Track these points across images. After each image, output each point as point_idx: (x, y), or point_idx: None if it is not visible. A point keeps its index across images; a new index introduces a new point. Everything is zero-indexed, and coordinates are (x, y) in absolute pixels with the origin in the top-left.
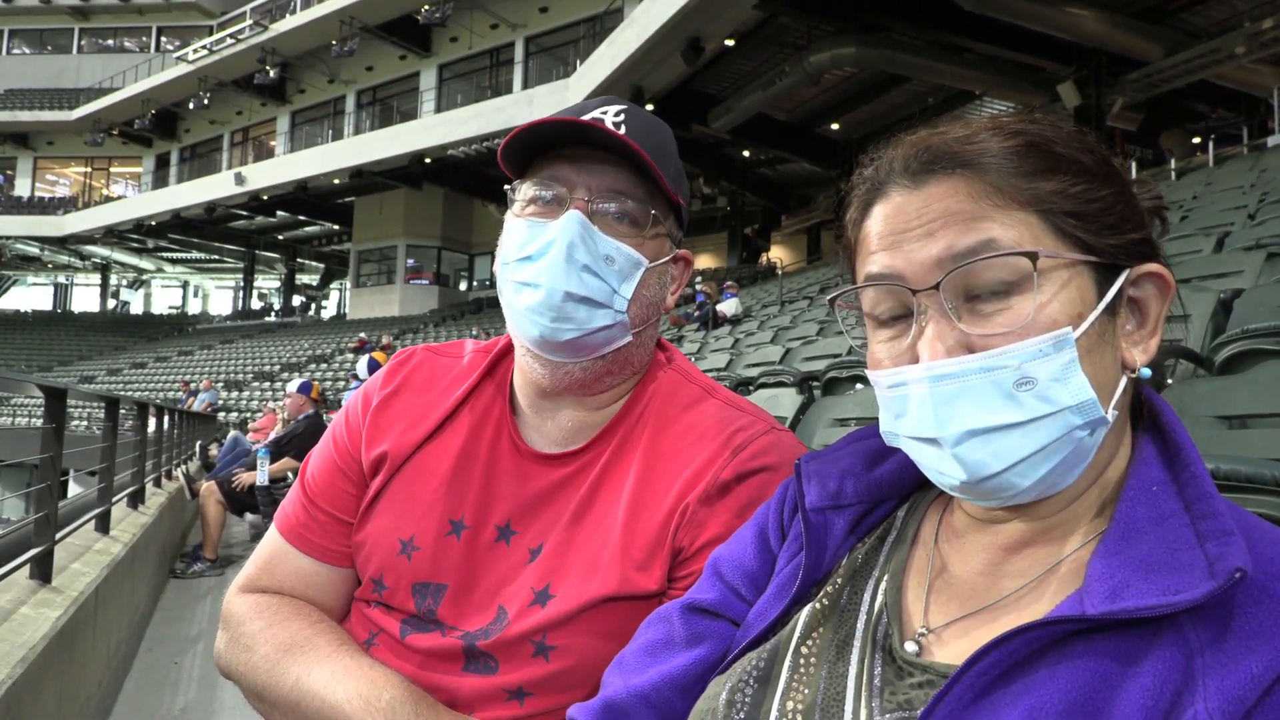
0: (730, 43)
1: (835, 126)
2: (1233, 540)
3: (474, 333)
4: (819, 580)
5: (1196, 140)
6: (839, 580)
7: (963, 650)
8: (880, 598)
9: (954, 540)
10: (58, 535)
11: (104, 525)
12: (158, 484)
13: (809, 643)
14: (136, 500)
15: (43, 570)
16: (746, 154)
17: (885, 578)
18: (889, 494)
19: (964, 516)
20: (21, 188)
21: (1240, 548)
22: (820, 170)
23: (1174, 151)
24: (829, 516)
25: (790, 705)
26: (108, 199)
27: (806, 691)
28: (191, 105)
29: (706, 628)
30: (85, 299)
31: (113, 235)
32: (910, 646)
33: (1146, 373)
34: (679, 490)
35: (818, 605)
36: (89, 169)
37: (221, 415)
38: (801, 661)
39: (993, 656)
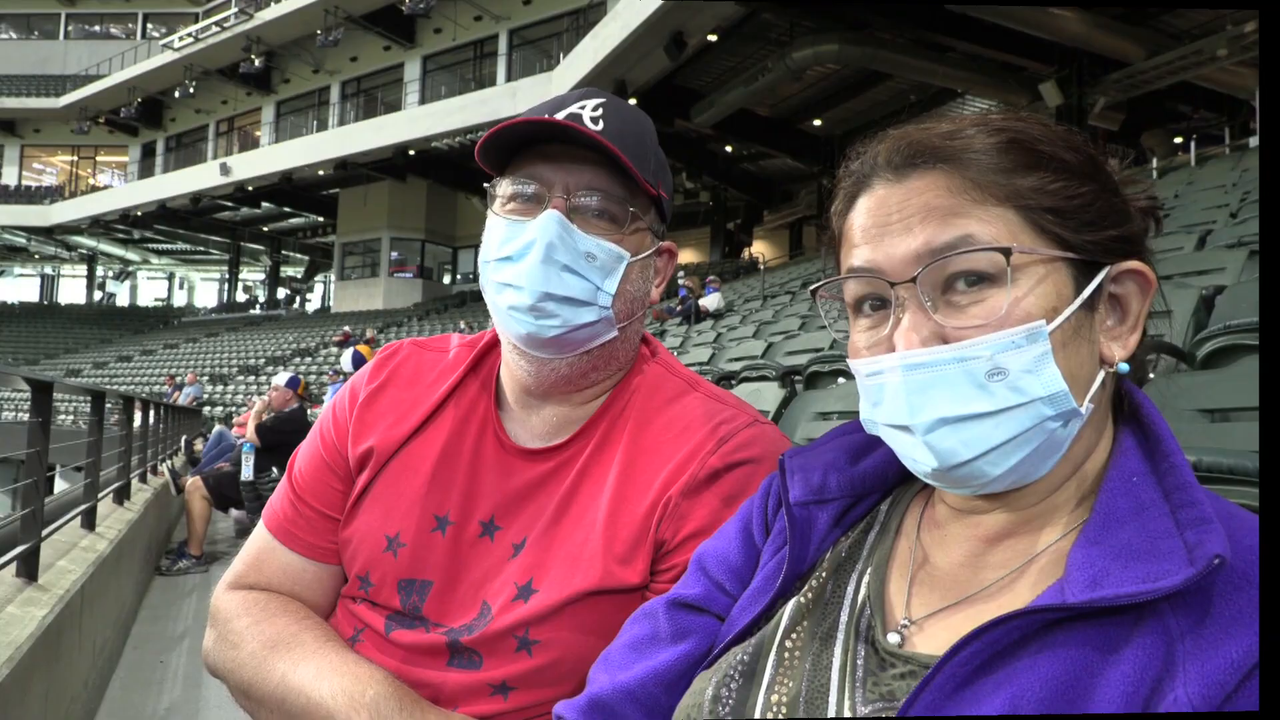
0: (713, 38)
1: (817, 123)
2: (1211, 528)
3: (461, 326)
4: (803, 574)
5: (1179, 140)
6: (823, 574)
7: (945, 641)
8: (863, 590)
9: (935, 532)
10: (44, 532)
11: (90, 521)
12: (143, 479)
13: (793, 636)
14: (122, 496)
15: (29, 568)
16: (729, 149)
17: (868, 570)
18: (872, 488)
19: (945, 508)
20: (9, 176)
21: (1219, 535)
22: (802, 166)
23: (1155, 151)
24: (812, 511)
25: (775, 698)
26: (94, 189)
27: (791, 684)
28: (177, 94)
29: (691, 623)
30: (72, 290)
31: (99, 225)
32: (893, 638)
33: (1125, 368)
34: (662, 483)
35: (802, 599)
36: (75, 158)
37: (206, 409)
38: (786, 655)
39: (974, 646)
